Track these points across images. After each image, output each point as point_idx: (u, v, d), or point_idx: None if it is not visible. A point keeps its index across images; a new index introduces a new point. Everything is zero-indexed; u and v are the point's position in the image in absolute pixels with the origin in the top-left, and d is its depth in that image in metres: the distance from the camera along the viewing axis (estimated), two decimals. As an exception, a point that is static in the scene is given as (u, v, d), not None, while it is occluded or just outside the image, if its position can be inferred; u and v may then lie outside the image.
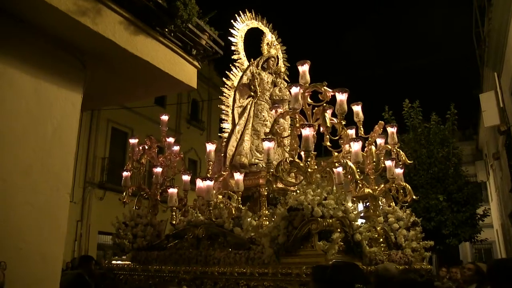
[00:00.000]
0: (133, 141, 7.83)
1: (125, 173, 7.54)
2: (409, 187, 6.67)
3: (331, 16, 63.27)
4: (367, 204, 6.19)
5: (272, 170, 5.35)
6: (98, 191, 19.65)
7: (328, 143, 6.06)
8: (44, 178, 4.06)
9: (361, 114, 6.52)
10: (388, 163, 6.52)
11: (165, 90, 5.97)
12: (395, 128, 6.97)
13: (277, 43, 8.90)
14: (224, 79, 8.30)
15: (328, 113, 6.03)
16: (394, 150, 6.87)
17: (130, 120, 21.15)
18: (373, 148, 6.71)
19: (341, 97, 5.72)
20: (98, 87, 4.87)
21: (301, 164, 5.43)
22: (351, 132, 6.57)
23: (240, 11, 8.47)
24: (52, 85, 4.23)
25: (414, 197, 6.61)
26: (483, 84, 19.12)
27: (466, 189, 16.82)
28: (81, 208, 18.79)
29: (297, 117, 5.84)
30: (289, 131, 6.34)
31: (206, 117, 27.42)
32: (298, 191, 5.24)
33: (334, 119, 5.97)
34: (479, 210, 17.47)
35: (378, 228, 5.90)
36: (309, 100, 5.94)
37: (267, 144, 5.54)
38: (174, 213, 6.67)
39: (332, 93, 5.77)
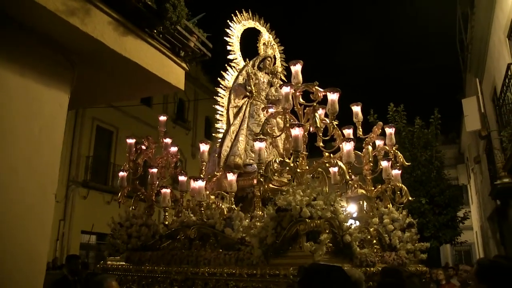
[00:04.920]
0: (130, 141, 7.62)
1: (121, 173, 7.39)
2: (406, 188, 6.44)
3: (319, 25, 63.41)
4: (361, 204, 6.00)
5: (261, 170, 5.15)
6: (81, 190, 19.18)
7: (321, 144, 5.85)
8: (32, 178, 3.98)
9: (360, 115, 6.48)
10: (384, 163, 6.37)
11: (152, 91, 5.86)
12: (393, 129, 6.80)
13: (274, 43, 8.77)
14: (219, 79, 8.22)
15: (321, 114, 5.85)
16: (392, 151, 6.64)
17: (115, 118, 20.76)
18: (370, 148, 6.49)
19: (333, 97, 5.60)
20: (85, 87, 4.74)
21: (291, 164, 5.22)
22: (349, 131, 6.37)
23: (236, 11, 8.29)
24: (40, 84, 4.13)
25: (410, 198, 6.41)
26: (466, 89, 19.23)
27: (448, 192, 16.96)
28: (64, 207, 18.31)
29: (288, 117, 5.64)
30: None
31: (192, 117, 27.01)
32: (288, 192, 5.04)
33: (327, 119, 5.76)
34: (459, 212, 17.55)
35: (371, 230, 5.68)
36: (301, 100, 5.76)
37: (258, 144, 5.47)
38: (166, 214, 6.47)
39: (323, 93, 5.60)
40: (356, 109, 6.44)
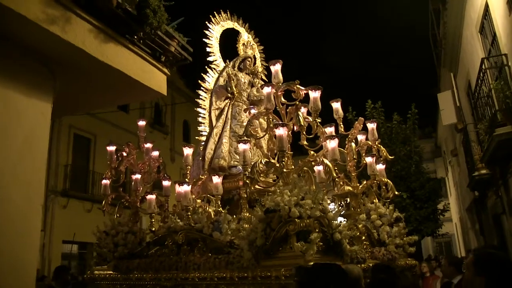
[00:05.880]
0: (110, 148, 7.51)
1: (104, 181, 7.25)
2: (391, 183, 6.48)
3: (296, 23, 63.85)
4: (348, 202, 6.01)
5: (247, 172, 5.13)
6: (61, 199, 18.88)
7: (305, 142, 5.85)
8: (16, 189, 3.94)
9: (340, 111, 6.46)
10: (369, 159, 6.39)
11: (135, 97, 5.82)
12: (375, 124, 6.82)
13: (253, 43, 8.73)
14: (200, 81, 8.11)
15: (303, 112, 5.86)
16: (375, 146, 6.68)
17: (92, 126, 20.54)
18: (353, 145, 6.52)
19: (314, 94, 5.61)
20: (67, 95, 4.71)
21: (277, 165, 5.21)
22: (331, 129, 6.37)
23: (215, 12, 8.24)
24: (21, 94, 4.08)
25: (396, 192, 6.44)
26: (441, 83, 19.55)
27: (428, 185, 17.15)
28: (44, 217, 17.64)
29: (271, 117, 5.64)
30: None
31: (169, 121, 26.95)
32: (275, 192, 5.02)
33: (309, 118, 5.77)
34: (439, 205, 17.80)
35: (359, 226, 5.70)
36: (282, 99, 5.77)
37: (242, 146, 5.43)
38: (153, 220, 6.40)
39: (305, 91, 5.61)
40: (336, 105, 6.41)
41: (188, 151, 6.87)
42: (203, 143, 7.65)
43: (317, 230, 4.65)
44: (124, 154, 7.58)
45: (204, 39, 8.05)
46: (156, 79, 4.85)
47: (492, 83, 9.93)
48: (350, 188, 5.97)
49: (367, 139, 6.79)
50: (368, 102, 18.07)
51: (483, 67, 10.48)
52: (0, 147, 3.78)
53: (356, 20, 63.24)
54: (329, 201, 5.29)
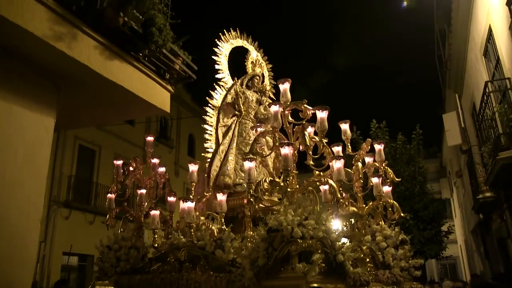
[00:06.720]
0: (118, 162, 7.37)
1: (109, 195, 7.10)
2: (397, 204, 6.28)
3: (301, 40, 64.02)
4: (352, 223, 5.82)
5: (251, 190, 4.97)
6: (63, 210, 18.45)
7: (311, 162, 5.69)
8: (15, 204, 3.80)
9: (349, 132, 6.31)
10: (375, 180, 6.21)
11: (138, 114, 5.75)
12: (383, 145, 6.64)
13: (262, 61, 8.60)
14: (207, 98, 7.93)
15: (310, 132, 5.72)
16: (382, 167, 6.49)
17: (98, 137, 20.23)
18: (360, 165, 6.34)
19: (322, 114, 5.47)
20: (71, 110, 4.65)
21: (281, 184, 5.05)
22: (338, 149, 6.21)
23: (224, 30, 8.14)
24: (25, 108, 4.00)
25: (402, 214, 6.23)
26: (446, 104, 19.32)
27: (432, 206, 16.72)
28: (45, 228, 17.24)
29: (277, 135, 5.50)
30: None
31: (175, 135, 26.56)
32: (279, 211, 4.85)
33: (316, 138, 5.62)
34: (443, 227, 17.38)
35: (364, 248, 5.48)
36: (290, 118, 5.63)
37: (248, 164, 5.27)
38: (156, 236, 6.24)
39: (312, 111, 5.46)
40: (345, 126, 6.27)
41: (193, 167, 6.70)
42: (209, 159, 7.50)
43: (319, 251, 4.47)
44: (131, 168, 7.46)
45: (211, 55, 7.93)
46: (159, 96, 4.78)
47: (496, 106, 9.77)
48: (355, 208, 5.80)
49: (374, 160, 6.61)
50: (373, 121, 17.89)
51: (487, 90, 10.32)
52: (1, 162, 3.70)
53: (362, 37, 63.29)
54: (333, 222, 5.13)
